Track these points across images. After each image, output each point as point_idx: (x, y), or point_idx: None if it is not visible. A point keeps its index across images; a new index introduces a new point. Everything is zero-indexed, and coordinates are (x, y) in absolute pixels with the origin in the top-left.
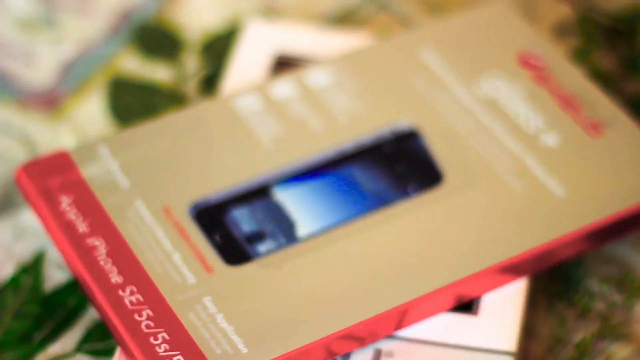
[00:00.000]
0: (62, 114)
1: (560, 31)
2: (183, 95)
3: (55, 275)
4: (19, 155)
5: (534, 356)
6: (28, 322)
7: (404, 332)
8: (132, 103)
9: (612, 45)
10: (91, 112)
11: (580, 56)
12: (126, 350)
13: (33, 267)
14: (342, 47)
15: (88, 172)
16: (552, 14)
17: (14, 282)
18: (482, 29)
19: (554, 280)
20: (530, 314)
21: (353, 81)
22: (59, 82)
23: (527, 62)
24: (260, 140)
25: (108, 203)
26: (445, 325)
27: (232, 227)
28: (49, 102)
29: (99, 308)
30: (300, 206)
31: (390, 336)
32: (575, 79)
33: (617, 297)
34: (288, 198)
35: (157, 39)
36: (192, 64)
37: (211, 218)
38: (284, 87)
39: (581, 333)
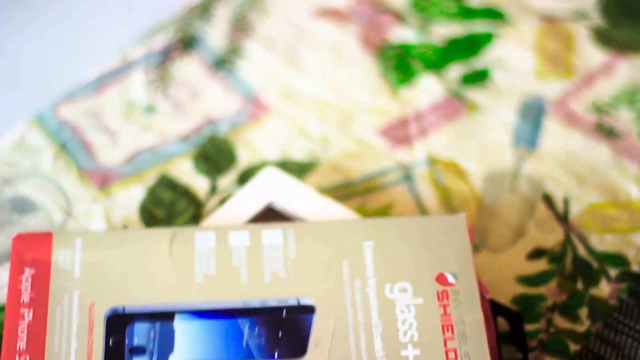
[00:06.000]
0: (106, 192)
1: (538, 253)
2: (204, 206)
3: None
4: (56, 215)
5: None
6: None
7: None
8: (162, 200)
9: (573, 279)
10: (130, 198)
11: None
12: None
13: None
14: (316, 215)
15: (56, 256)
16: (544, 237)
17: None
18: (427, 236)
19: None
20: None
21: (295, 249)
22: (121, 166)
23: (442, 279)
24: (195, 274)
25: (54, 285)
26: None
27: (125, 337)
28: (103, 180)
29: None
30: (187, 337)
31: None
32: (471, 308)
33: None
34: (182, 327)
35: (212, 155)
36: (228, 185)
37: (115, 324)
38: (239, 236)
39: None
